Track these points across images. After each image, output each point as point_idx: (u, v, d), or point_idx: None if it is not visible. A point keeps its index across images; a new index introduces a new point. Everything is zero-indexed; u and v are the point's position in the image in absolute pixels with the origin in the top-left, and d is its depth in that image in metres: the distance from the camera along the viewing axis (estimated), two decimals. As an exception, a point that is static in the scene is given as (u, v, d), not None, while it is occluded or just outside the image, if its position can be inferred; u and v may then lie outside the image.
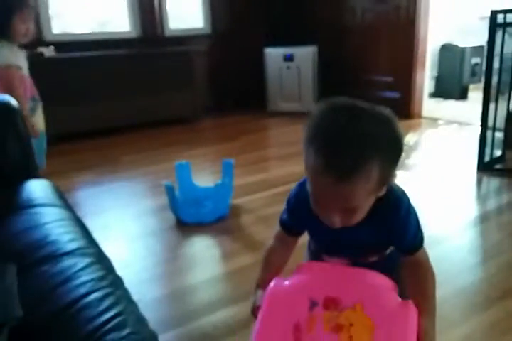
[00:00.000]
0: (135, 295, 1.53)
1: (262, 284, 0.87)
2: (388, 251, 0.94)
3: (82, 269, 0.86)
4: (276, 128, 4.11)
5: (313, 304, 0.75)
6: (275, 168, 2.90)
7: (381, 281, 0.79)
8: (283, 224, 0.93)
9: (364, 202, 0.75)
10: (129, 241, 2.01)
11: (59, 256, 0.91)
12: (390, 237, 0.85)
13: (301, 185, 0.85)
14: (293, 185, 0.90)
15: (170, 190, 2.09)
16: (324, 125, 0.73)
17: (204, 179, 2.51)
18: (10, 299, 0.73)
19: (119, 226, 2.17)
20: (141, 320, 0.77)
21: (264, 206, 2.27)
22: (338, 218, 0.75)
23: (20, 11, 1.87)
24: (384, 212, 0.80)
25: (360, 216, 0.77)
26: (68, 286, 0.81)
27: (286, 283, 0.79)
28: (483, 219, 2.10)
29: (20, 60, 1.94)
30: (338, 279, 0.79)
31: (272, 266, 0.91)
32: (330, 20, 4.49)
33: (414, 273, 0.86)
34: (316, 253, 0.97)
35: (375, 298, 0.75)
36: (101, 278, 0.85)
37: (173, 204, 2.13)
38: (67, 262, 0.88)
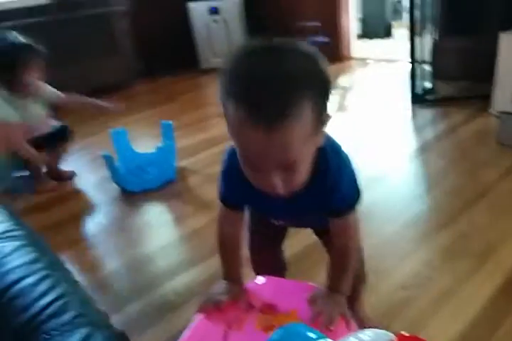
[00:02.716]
0: (88, 273, 1.52)
1: (226, 275, 0.86)
2: None
3: (9, 254, 0.78)
4: (211, 85, 3.97)
5: (250, 307, 0.79)
6: (216, 126, 2.81)
7: None
8: (223, 199, 0.85)
9: (303, 152, 0.64)
10: (74, 219, 1.90)
11: (-18, 242, 0.82)
12: (324, 197, 0.76)
13: (230, 154, 0.77)
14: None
15: (109, 160, 1.97)
16: (241, 70, 0.62)
17: (145, 145, 2.39)
18: None
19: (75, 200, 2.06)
20: (86, 301, 0.71)
21: (209, 165, 2.21)
22: (278, 180, 0.65)
23: (26, 64, 1.92)
24: (321, 168, 0.72)
25: (303, 174, 0.67)
26: (-5, 275, 0.73)
27: None
28: (424, 149, 2.15)
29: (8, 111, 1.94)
30: (278, 289, 0.84)
31: (230, 253, 0.87)
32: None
33: (339, 245, 0.82)
34: (259, 218, 0.96)
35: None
36: (34, 261, 0.77)
37: (115, 175, 2.03)
38: (-7, 248, 0.80)
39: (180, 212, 1.88)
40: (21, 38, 1.96)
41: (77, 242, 1.72)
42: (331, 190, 0.75)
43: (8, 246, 0.80)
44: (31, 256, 0.78)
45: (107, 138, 2.29)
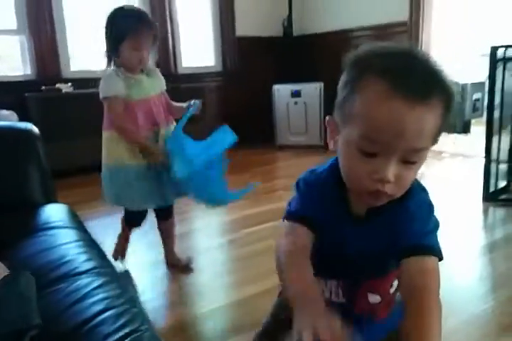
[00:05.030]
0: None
1: (304, 293, 0.63)
2: (392, 290, 0.80)
3: (98, 287, 0.89)
4: (284, 160, 4.18)
5: None
6: (283, 199, 2.92)
7: None
8: (294, 213, 0.75)
9: (426, 149, 0.62)
10: (137, 271, 2.02)
11: (75, 275, 0.94)
12: (392, 237, 0.68)
13: (315, 172, 0.77)
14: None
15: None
16: (379, 49, 0.63)
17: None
18: (27, 306, 0.75)
19: (131, 255, 2.19)
20: (156, 338, 0.79)
21: (272, 235, 2.29)
22: (393, 172, 0.60)
23: (132, 37, 1.61)
24: (397, 202, 0.68)
25: (411, 178, 0.64)
26: (84, 303, 0.84)
27: None
28: (491, 248, 2.11)
29: (122, 87, 1.66)
30: None
31: (302, 262, 0.68)
32: (335, 58, 4.61)
33: (415, 294, 0.62)
34: None
35: None
36: (117, 296, 0.87)
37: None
38: (84, 281, 0.92)
39: (237, 277, 1.94)
40: (137, 8, 1.78)
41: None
42: (409, 218, 0.69)
43: (98, 280, 0.91)
44: (115, 291, 0.89)
45: (179, 200, 2.45)
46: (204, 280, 1.93)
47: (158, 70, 1.83)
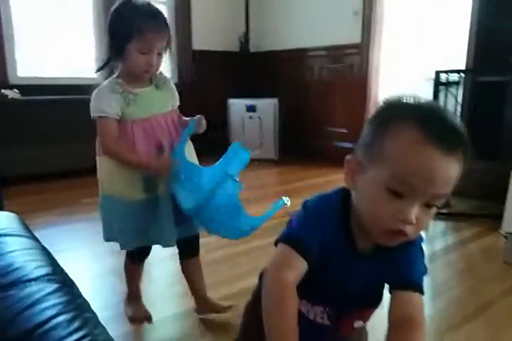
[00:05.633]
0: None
1: None
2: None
3: (49, 294, 0.88)
4: (239, 173, 4.22)
5: None
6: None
7: None
8: (296, 239, 0.71)
9: (448, 195, 0.67)
10: (88, 280, 1.98)
11: (26, 281, 0.92)
12: (393, 272, 0.75)
13: (326, 199, 0.76)
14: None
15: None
16: (409, 102, 0.67)
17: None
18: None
19: (77, 266, 2.14)
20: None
21: (232, 245, 2.30)
22: (416, 213, 0.65)
23: (140, 37, 1.30)
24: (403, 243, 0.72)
25: (428, 220, 0.68)
26: (36, 309, 0.83)
27: None
28: (432, 258, 2.22)
29: (115, 105, 1.36)
30: None
31: (291, 309, 0.68)
32: (290, 76, 4.79)
33: (405, 324, 0.69)
34: None
35: None
36: (69, 302, 0.87)
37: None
38: (35, 287, 0.90)
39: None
40: (148, 2, 1.35)
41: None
42: (411, 260, 0.75)
43: (50, 286, 0.90)
44: (67, 297, 0.88)
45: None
46: (156, 289, 1.93)
47: (171, 82, 1.55)
